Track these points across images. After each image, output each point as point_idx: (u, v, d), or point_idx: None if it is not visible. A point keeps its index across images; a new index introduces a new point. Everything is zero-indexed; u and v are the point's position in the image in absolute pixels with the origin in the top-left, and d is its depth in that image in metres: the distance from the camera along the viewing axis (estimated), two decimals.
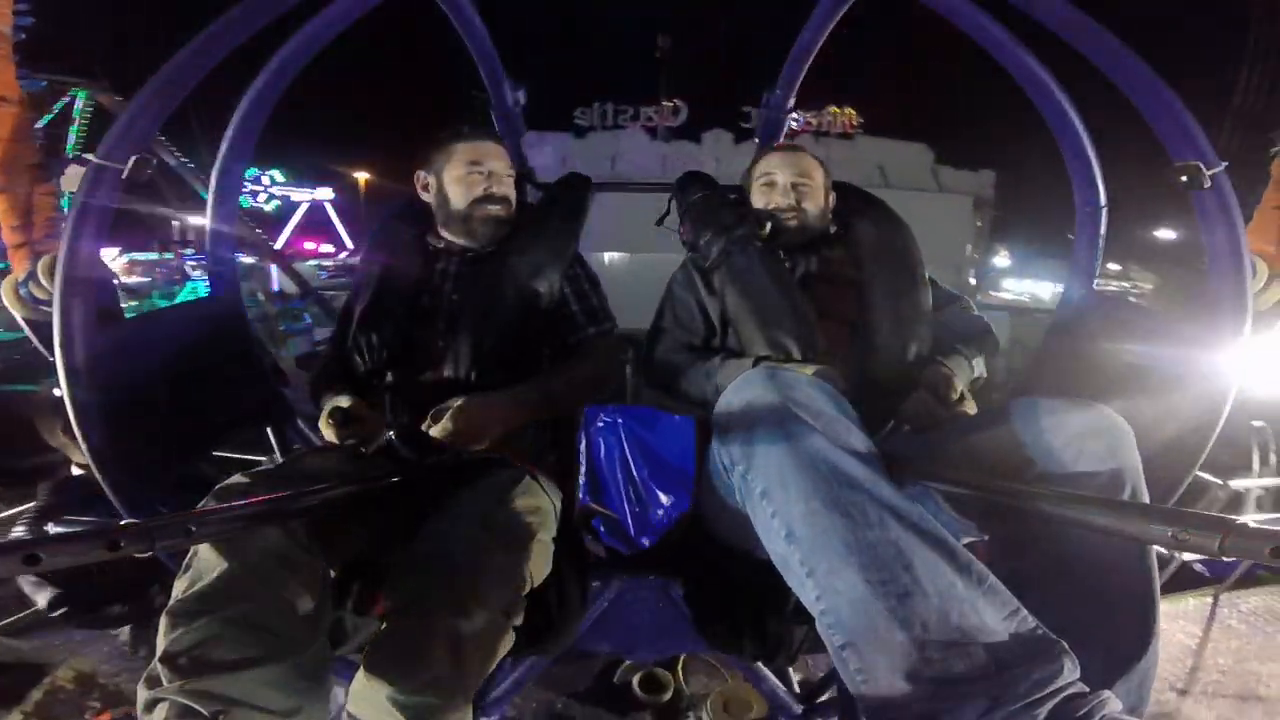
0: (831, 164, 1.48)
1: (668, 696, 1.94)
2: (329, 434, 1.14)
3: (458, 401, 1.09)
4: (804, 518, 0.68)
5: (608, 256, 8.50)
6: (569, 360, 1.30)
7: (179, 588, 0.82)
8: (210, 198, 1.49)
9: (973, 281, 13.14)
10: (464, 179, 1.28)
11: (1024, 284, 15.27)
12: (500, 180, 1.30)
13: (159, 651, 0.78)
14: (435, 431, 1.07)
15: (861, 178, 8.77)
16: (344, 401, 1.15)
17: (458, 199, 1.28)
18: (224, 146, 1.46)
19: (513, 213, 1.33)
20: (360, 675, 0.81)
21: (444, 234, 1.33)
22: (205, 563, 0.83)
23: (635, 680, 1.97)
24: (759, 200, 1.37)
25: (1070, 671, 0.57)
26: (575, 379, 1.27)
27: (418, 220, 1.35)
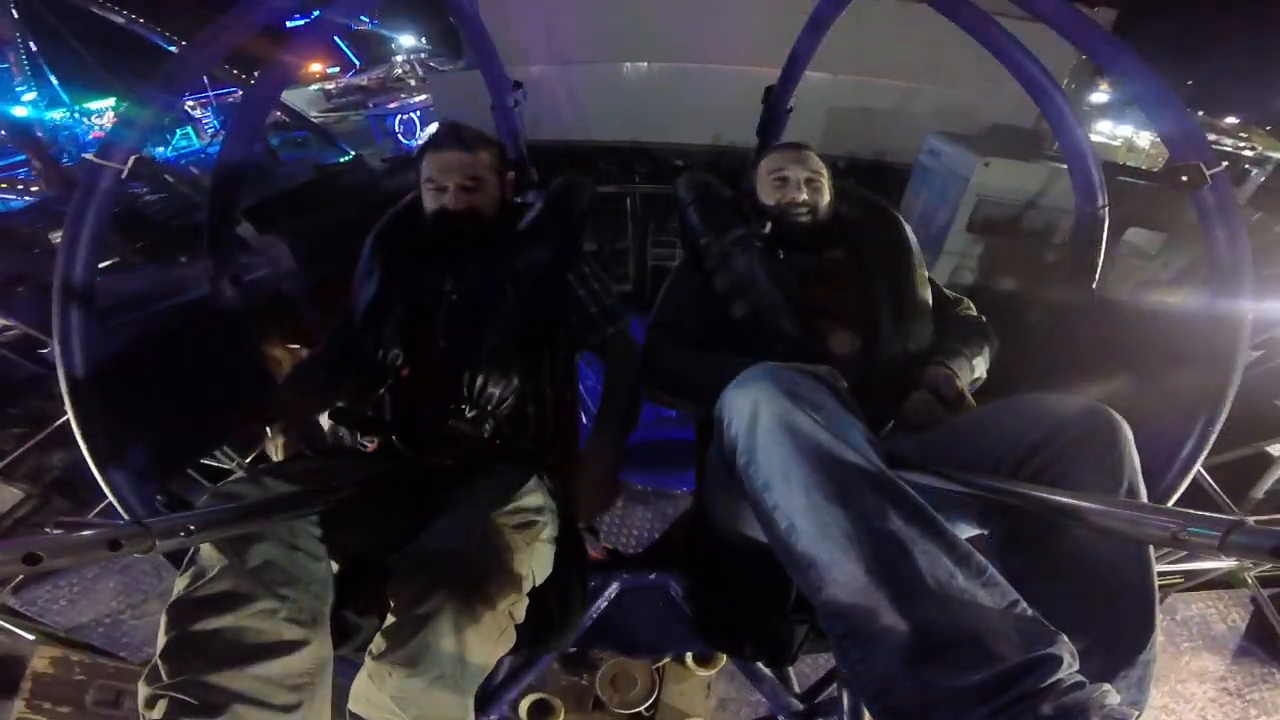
0: None
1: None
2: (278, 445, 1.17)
3: (583, 484, 1.17)
4: (805, 510, 0.68)
5: None
6: (611, 381, 1.33)
7: (180, 585, 0.83)
8: (210, 197, 1.49)
9: None
10: (427, 193, 1.28)
11: (1122, 128, 13.12)
12: (459, 195, 1.26)
13: (159, 648, 0.78)
14: (585, 519, 1.21)
15: None
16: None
17: (426, 212, 1.29)
18: (225, 145, 1.46)
19: (484, 215, 1.29)
20: (363, 674, 0.81)
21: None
22: (206, 561, 0.83)
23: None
24: (771, 196, 1.38)
25: (1070, 664, 0.57)
26: (629, 396, 1.31)
27: (420, 218, 1.35)
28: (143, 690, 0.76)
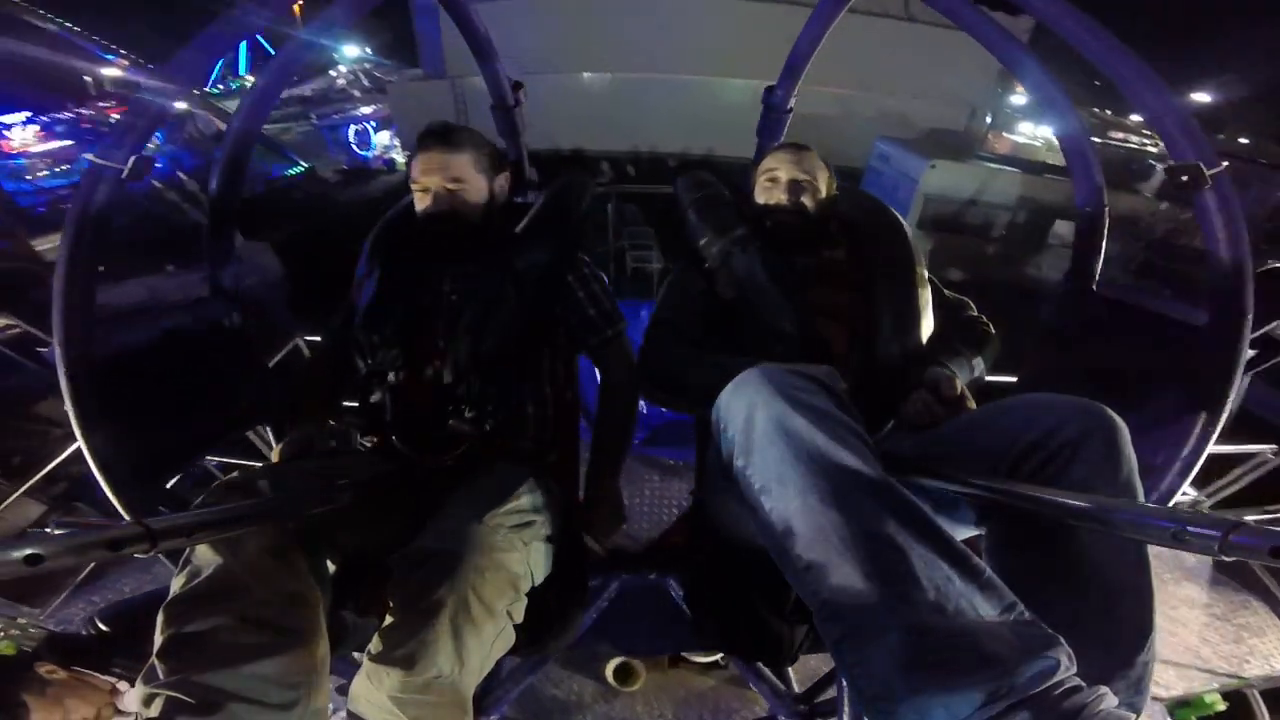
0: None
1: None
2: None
3: (597, 510, 1.26)
4: (801, 513, 0.68)
5: None
6: (608, 391, 1.35)
7: (177, 584, 0.83)
8: (209, 214, 1.49)
9: (989, 121, 12.03)
10: (413, 193, 1.26)
11: (1042, 129, 13.50)
12: (440, 196, 1.23)
13: (156, 646, 0.78)
14: (602, 541, 1.27)
15: (881, 6, 8.03)
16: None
17: (418, 213, 1.27)
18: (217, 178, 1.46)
19: (466, 217, 1.25)
20: (361, 674, 0.81)
21: None
22: (203, 559, 0.83)
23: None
24: (761, 197, 1.38)
25: (1067, 667, 0.57)
26: (626, 410, 1.35)
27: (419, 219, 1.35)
28: (140, 689, 0.76)
